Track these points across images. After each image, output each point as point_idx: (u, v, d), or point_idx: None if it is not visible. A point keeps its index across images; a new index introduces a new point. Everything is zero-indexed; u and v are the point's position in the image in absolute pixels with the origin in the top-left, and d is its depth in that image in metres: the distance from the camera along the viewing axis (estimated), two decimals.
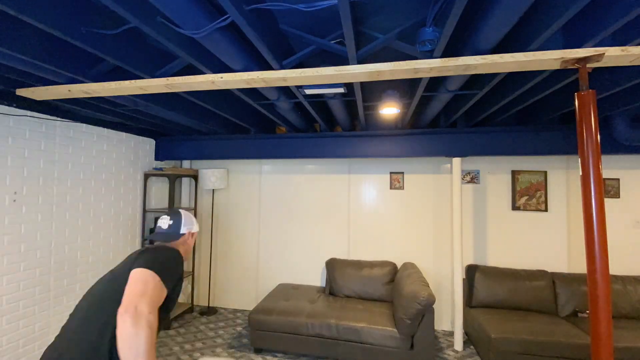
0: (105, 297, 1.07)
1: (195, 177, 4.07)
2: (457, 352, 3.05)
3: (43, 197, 2.50)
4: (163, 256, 1.16)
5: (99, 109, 2.59)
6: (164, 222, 1.38)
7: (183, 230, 1.38)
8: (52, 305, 2.57)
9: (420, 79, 1.99)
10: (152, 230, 1.41)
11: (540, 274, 3.14)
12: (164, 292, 1.07)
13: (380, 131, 3.32)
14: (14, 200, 2.30)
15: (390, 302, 3.23)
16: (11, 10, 1.14)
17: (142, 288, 1.00)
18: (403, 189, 3.70)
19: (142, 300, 0.96)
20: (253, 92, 2.38)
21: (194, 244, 1.53)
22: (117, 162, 3.23)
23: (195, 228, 1.44)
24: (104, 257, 3.07)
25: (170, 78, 1.74)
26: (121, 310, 0.94)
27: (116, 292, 1.04)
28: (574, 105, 1.42)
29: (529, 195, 3.44)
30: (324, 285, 3.74)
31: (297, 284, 3.75)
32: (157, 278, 1.05)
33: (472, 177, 3.58)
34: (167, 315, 1.17)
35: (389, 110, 2.66)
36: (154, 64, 1.79)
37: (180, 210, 1.45)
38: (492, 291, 3.14)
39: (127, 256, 1.19)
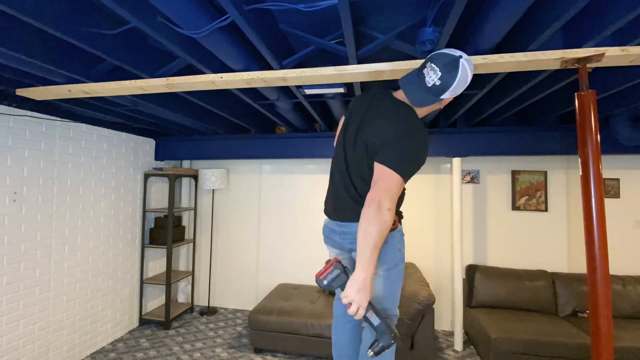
0: (352, 171, 1.24)
1: (195, 177, 4.07)
2: (457, 352, 3.05)
3: (43, 197, 2.50)
4: (411, 150, 1.11)
5: (99, 109, 2.59)
6: (433, 75, 1.06)
7: (446, 94, 1.09)
8: (52, 306, 2.57)
9: None
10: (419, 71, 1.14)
11: (540, 274, 3.15)
12: (402, 187, 1.14)
13: None
14: (14, 200, 2.30)
15: None
16: (11, 10, 1.14)
17: (388, 186, 1.07)
18: None
19: (386, 196, 1.05)
20: (253, 92, 2.38)
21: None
22: (117, 162, 3.23)
23: (458, 91, 1.10)
24: (104, 257, 3.07)
25: (170, 78, 1.74)
26: (368, 200, 1.07)
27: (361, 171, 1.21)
28: (574, 105, 1.42)
29: (529, 195, 3.44)
30: None
31: (297, 284, 3.75)
32: (401, 180, 1.09)
33: (472, 177, 3.58)
34: (401, 204, 1.30)
35: None
36: (154, 64, 1.79)
37: (458, 59, 1.04)
38: (492, 291, 3.14)
39: (357, 111, 1.30)
